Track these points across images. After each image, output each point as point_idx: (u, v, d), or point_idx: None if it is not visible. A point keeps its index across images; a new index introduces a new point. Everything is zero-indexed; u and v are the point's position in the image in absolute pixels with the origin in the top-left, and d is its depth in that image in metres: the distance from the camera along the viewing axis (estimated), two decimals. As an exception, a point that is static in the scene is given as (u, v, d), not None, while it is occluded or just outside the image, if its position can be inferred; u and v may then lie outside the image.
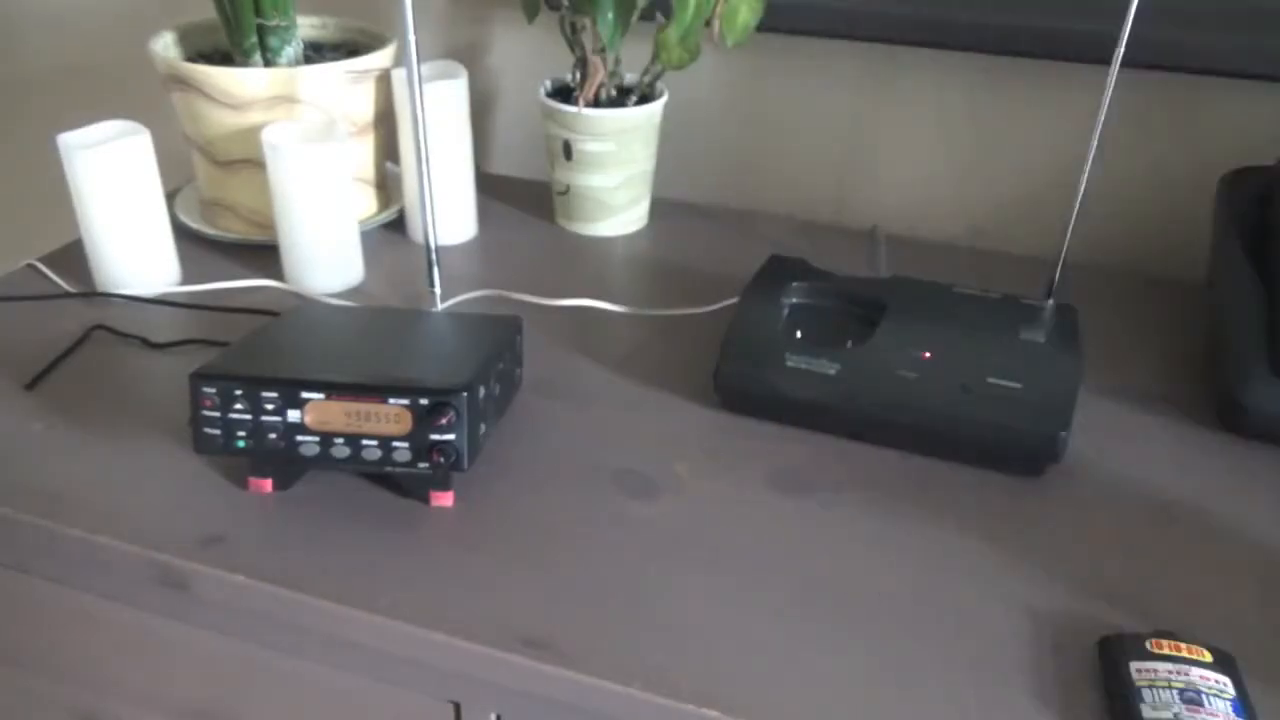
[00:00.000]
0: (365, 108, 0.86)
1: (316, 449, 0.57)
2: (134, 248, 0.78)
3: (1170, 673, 0.47)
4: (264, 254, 0.86)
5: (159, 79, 0.87)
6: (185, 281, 0.82)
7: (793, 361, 0.64)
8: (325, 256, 0.79)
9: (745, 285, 0.71)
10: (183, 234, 0.87)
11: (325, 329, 0.64)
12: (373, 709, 0.59)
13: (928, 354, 0.64)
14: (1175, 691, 0.46)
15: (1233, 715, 0.45)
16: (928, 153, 0.93)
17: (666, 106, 0.96)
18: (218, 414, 0.57)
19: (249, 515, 0.58)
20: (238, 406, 0.56)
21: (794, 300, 0.71)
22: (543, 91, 0.90)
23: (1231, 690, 0.46)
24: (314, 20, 0.94)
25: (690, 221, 0.95)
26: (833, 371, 0.64)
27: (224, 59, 0.87)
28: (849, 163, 0.96)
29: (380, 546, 0.56)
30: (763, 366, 0.65)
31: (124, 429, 0.65)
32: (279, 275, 0.83)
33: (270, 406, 0.56)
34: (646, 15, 0.87)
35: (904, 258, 0.88)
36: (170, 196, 0.92)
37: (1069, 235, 0.70)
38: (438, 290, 0.73)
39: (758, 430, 0.66)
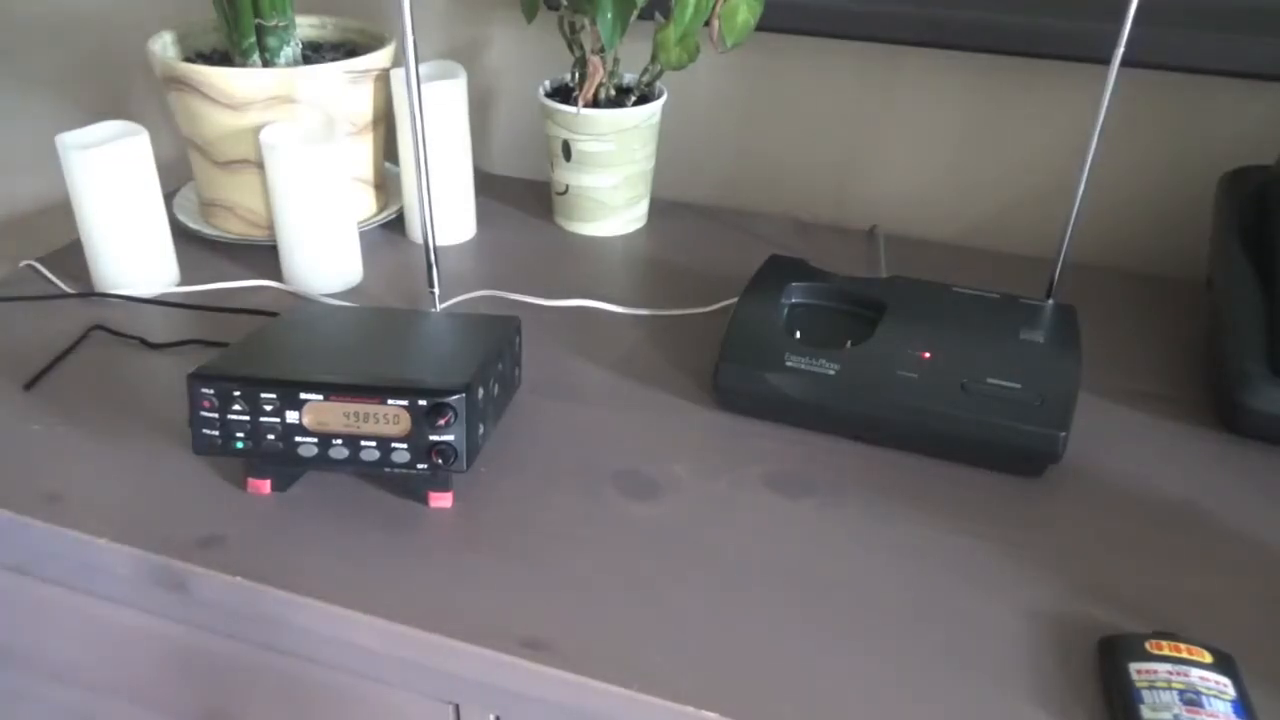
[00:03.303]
0: (364, 108, 0.86)
1: (315, 450, 0.56)
2: (132, 248, 0.78)
3: (1170, 674, 0.47)
4: (263, 254, 0.86)
5: (158, 79, 0.87)
6: (184, 282, 0.82)
7: (792, 362, 0.64)
8: (324, 257, 0.79)
9: (744, 285, 0.71)
10: (181, 234, 0.87)
11: (324, 329, 0.64)
12: (372, 709, 0.59)
13: (927, 354, 0.64)
14: (1175, 693, 0.46)
15: (1233, 716, 0.45)
16: (928, 153, 0.93)
17: (666, 106, 0.96)
18: (216, 415, 0.56)
19: (247, 516, 0.58)
20: (236, 407, 0.56)
21: (793, 300, 0.70)
22: (542, 92, 0.90)
23: (1231, 691, 0.46)
24: (313, 20, 0.94)
25: (690, 221, 0.95)
26: (832, 372, 0.64)
27: (223, 59, 0.87)
28: (849, 163, 0.96)
29: (379, 547, 0.56)
30: (762, 367, 0.65)
31: (123, 429, 0.65)
32: (278, 275, 0.83)
33: (269, 407, 0.56)
34: (645, 15, 0.86)
35: (904, 258, 0.88)
36: (169, 197, 0.92)
37: (1069, 235, 0.70)
38: (437, 290, 0.73)
39: (757, 430, 0.66)
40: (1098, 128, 0.66)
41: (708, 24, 0.81)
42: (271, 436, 0.56)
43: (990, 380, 0.62)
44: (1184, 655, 0.48)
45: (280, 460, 0.57)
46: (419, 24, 1.03)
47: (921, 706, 0.47)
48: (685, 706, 0.47)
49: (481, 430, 0.58)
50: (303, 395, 0.56)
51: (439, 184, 0.86)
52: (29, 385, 0.69)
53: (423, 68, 0.87)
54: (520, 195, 1.00)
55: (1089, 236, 0.91)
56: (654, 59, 0.85)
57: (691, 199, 1.02)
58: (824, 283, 0.71)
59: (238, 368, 0.57)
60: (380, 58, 0.85)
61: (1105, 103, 0.65)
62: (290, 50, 0.85)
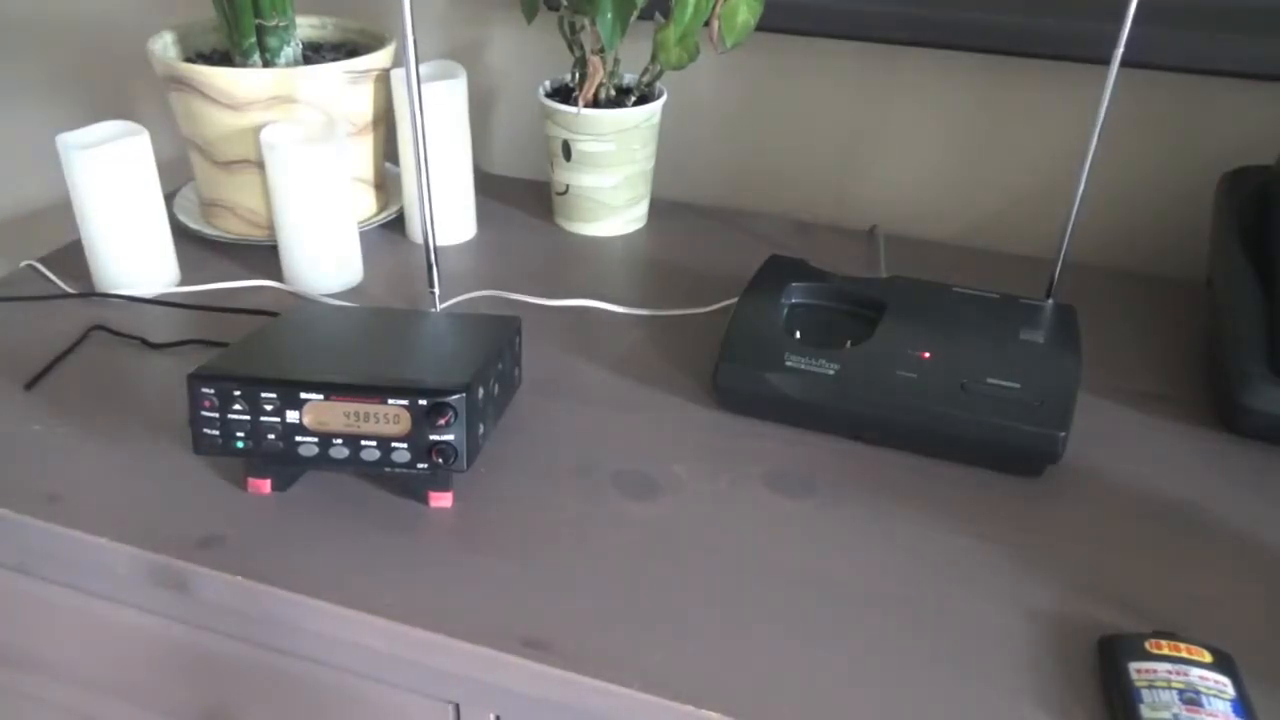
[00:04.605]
0: (364, 108, 0.86)
1: (315, 450, 0.57)
2: (133, 248, 0.78)
3: (1170, 673, 0.47)
4: (263, 254, 0.86)
5: (158, 79, 0.87)
6: (184, 282, 0.82)
7: (792, 362, 0.64)
8: (324, 257, 0.79)
9: (744, 285, 0.71)
10: (182, 234, 0.87)
11: (324, 329, 0.64)
12: (372, 708, 0.59)
13: (927, 354, 0.64)
14: (1175, 692, 0.46)
15: (1232, 716, 0.45)
16: (928, 153, 0.93)
17: (666, 106, 0.96)
18: (216, 415, 0.56)
19: (248, 516, 0.58)
20: (236, 407, 0.56)
21: (793, 300, 0.71)
22: (542, 92, 0.90)
23: (1231, 690, 0.46)
24: (313, 20, 0.94)
25: (690, 221, 0.95)
26: (832, 372, 0.64)
27: (223, 59, 0.87)
28: (849, 163, 0.96)
29: (379, 547, 0.56)
30: (762, 367, 0.65)
31: (123, 429, 0.65)
32: (278, 275, 0.83)
33: (269, 407, 0.56)
34: (645, 15, 0.87)
35: (904, 257, 0.88)
36: (169, 197, 0.92)
37: (1069, 235, 0.70)
38: (437, 290, 0.73)
39: (757, 430, 0.66)
40: (1098, 128, 0.66)
41: (708, 24, 0.81)
42: (272, 436, 0.56)
43: (990, 380, 0.62)
44: (1184, 655, 0.48)
45: (280, 460, 0.57)
46: (419, 24, 1.03)
47: (921, 706, 0.47)
48: (685, 706, 0.47)
49: (481, 430, 0.58)
50: (303, 395, 0.56)
51: (439, 184, 0.86)
52: (29, 385, 0.69)
53: (423, 68, 0.87)
54: (520, 195, 1.00)
55: (1089, 236, 0.91)
56: (654, 59, 0.85)
57: (691, 199, 1.02)
58: (824, 283, 0.71)
59: (238, 368, 0.57)
60: (380, 58, 0.85)
61: (1105, 103, 0.65)
62: (290, 50, 0.85)
